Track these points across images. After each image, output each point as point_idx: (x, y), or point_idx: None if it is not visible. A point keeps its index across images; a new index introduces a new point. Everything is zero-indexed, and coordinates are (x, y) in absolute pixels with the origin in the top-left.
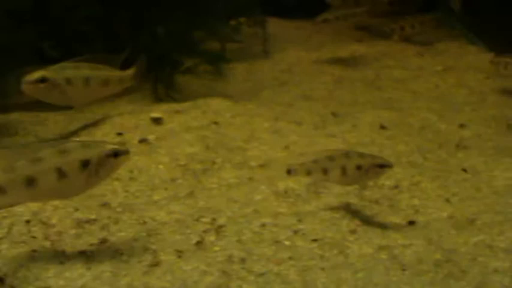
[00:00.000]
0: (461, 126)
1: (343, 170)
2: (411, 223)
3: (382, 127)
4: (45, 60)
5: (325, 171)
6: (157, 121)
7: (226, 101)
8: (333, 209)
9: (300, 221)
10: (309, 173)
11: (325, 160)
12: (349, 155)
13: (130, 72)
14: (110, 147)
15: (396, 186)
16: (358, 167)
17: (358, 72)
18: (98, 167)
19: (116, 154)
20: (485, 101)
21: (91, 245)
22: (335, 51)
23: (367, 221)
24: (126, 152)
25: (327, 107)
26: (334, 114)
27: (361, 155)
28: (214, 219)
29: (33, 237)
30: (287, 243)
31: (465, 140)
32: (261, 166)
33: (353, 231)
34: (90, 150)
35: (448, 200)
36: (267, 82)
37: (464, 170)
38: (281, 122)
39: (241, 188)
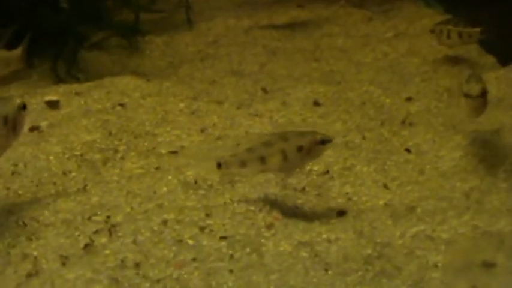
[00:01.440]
0: (409, 99)
1: (284, 155)
2: (341, 214)
3: (316, 103)
4: None
5: (263, 160)
6: (53, 105)
7: (137, 79)
8: (249, 201)
9: (208, 215)
10: (243, 164)
11: (261, 147)
12: (287, 136)
13: (17, 52)
14: (19, 100)
15: (326, 172)
16: (299, 149)
17: (296, 41)
18: (14, 122)
19: (24, 107)
20: (438, 71)
21: None
22: (271, 18)
23: (289, 214)
24: (26, 105)
25: (256, 83)
26: (264, 91)
27: (300, 134)
28: (108, 218)
29: None
30: (191, 242)
31: (412, 116)
32: (172, 153)
33: (270, 226)
34: (6, 105)
35: (385, 186)
36: (188, 56)
37: (408, 150)
38: (200, 101)
39: (145, 179)
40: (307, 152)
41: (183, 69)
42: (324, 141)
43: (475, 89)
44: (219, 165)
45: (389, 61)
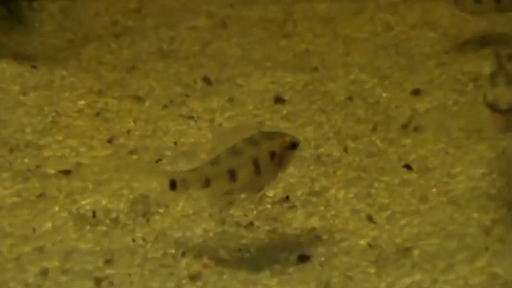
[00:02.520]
0: (416, 93)
1: (256, 166)
2: (303, 259)
3: (279, 100)
4: None
5: (232, 175)
6: None
7: (18, 66)
8: (168, 242)
9: (109, 262)
10: (208, 182)
11: (229, 156)
12: (255, 138)
13: None
14: None
15: (286, 198)
16: (272, 155)
17: (257, 8)
18: None
19: None
20: (463, 50)
21: None
22: None
23: (226, 259)
24: None
25: (194, 70)
26: (206, 81)
27: (268, 135)
28: None
29: None
30: None
31: (418, 117)
32: (64, 174)
33: (196, 277)
34: None
35: (370, 218)
36: (97, 31)
37: (408, 167)
38: (109, 97)
39: (21, 211)
40: (279, 161)
41: (87, 51)
42: (294, 145)
43: (505, 97)
44: (172, 185)
45: (393, 37)
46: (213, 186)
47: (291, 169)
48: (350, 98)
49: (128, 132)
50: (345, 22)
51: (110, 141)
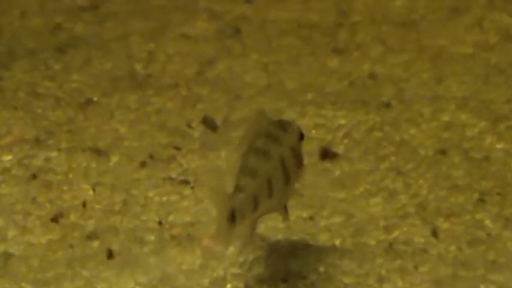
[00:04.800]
0: None
1: (284, 169)
2: None
3: (327, 154)
4: None
5: (269, 186)
6: None
7: None
8: None
9: None
10: (256, 203)
11: (257, 159)
12: (270, 131)
13: None
14: None
15: None
16: (293, 151)
17: (292, 6)
18: None
19: None
20: None
21: None
22: None
23: None
24: None
25: (190, 106)
26: (209, 124)
27: (280, 125)
28: None
29: None
30: None
31: None
32: None
33: None
34: None
35: None
36: (27, 42)
37: None
38: (52, 149)
39: None
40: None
41: (12, 74)
42: (302, 136)
43: None
44: (232, 217)
45: None
46: (260, 207)
47: (346, 262)
48: (443, 152)
49: (84, 205)
50: (436, 28)
51: (54, 219)
